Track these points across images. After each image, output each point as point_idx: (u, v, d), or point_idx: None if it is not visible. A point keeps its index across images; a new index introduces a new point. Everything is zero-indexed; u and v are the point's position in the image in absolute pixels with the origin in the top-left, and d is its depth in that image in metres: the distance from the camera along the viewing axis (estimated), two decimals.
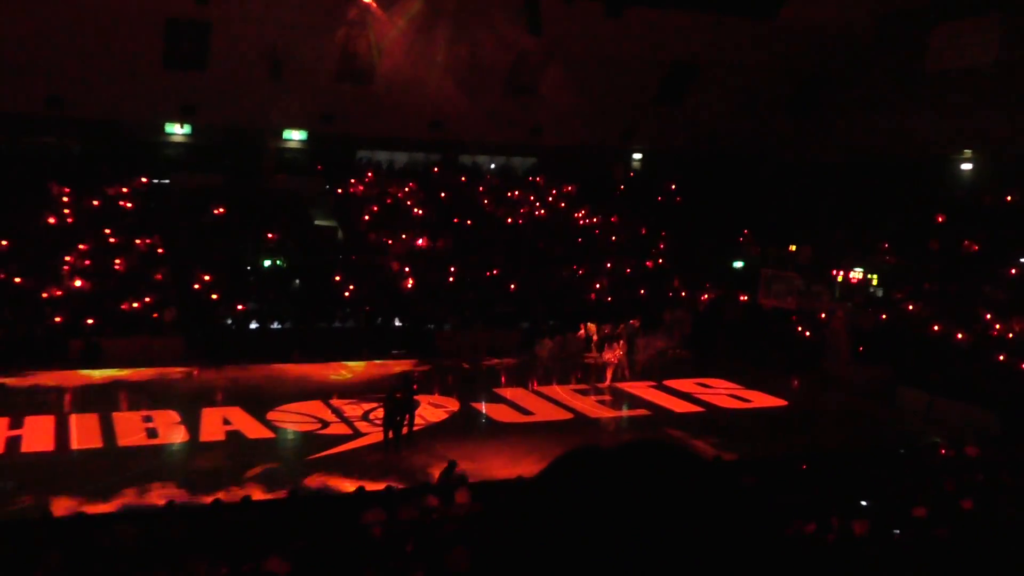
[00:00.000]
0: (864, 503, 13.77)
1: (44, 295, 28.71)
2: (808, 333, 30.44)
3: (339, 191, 37.88)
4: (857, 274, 31.39)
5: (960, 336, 27.06)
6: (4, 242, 30.17)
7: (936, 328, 27.81)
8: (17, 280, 28.91)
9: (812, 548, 11.37)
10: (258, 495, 15.39)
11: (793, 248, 34.68)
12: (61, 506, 15.12)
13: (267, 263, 33.09)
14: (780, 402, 25.81)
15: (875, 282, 31.46)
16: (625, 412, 24.43)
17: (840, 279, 30.89)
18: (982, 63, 31.71)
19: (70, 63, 30.52)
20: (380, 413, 20.52)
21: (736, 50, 35.20)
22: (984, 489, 14.50)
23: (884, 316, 29.59)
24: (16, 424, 20.26)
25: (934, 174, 35.57)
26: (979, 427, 22.04)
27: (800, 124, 40.07)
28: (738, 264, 36.68)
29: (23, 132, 34.48)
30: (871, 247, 33.06)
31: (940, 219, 33.65)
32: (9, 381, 24.37)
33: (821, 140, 39.50)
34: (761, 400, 25.91)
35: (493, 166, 42.62)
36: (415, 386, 21.29)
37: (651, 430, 22.42)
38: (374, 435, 20.34)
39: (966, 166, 35.73)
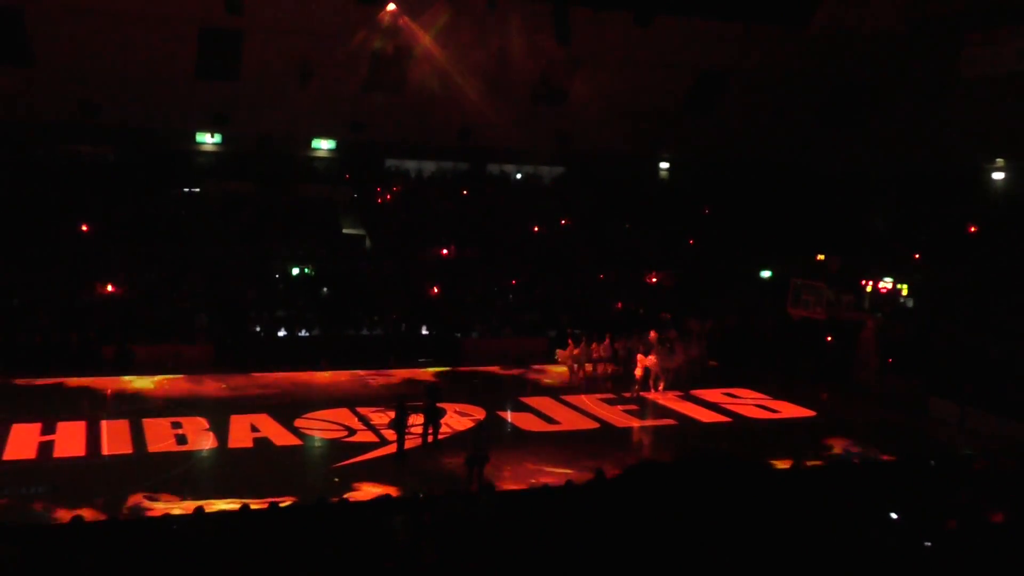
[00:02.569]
0: (894, 515, 13.61)
1: (78, 302, 29.12)
2: (838, 343, 30.14)
3: (367, 199, 38.09)
4: (887, 284, 31.07)
5: (993, 347, 26.70)
6: (39, 250, 30.65)
7: (969, 339, 27.46)
8: (51, 287, 29.35)
9: (844, 559, 11.28)
10: (285, 502, 15.49)
11: (822, 258, 34.41)
12: (92, 511, 15.30)
13: (296, 271, 33.36)
14: (808, 412, 25.59)
15: (905, 292, 31.13)
16: (651, 422, 24.31)
17: (870, 289, 30.59)
18: (1016, 71, 31.32)
19: (105, 72, 30.97)
20: (413, 420, 20.57)
21: (766, 59, 35.01)
22: (1017, 502, 14.28)
23: (915, 326, 29.26)
24: (49, 429, 20.56)
25: (967, 183, 35.19)
26: (1012, 439, 21.75)
27: (831, 133, 39.76)
28: (766, 274, 36.43)
29: (58, 140, 35.03)
30: (902, 257, 32.74)
31: (973, 229, 33.24)
32: (43, 386, 24.76)
33: (852, 149, 39.19)
34: (789, 410, 25.71)
35: (520, 175, 42.70)
36: (439, 394, 21.31)
37: (679, 440, 22.32)
38: None
39: (998, 175, 35.31)
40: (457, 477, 17.95)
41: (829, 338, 29.41)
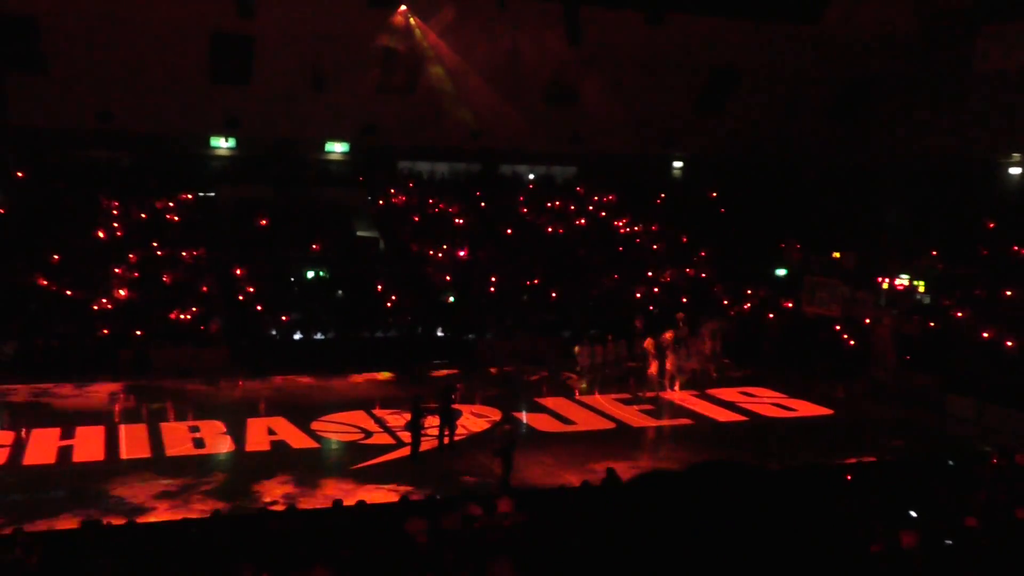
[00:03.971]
0: (913, 513, 13.54)
1: (94, 306, 29.29)
2: (853, 341, 30.01)
3: (381, 202, 38.17)
4: (903, 281, 30.92)
5: (1010, 343, 26.53)
6: (56, 255, 30.86)
7: (986, 335, 27.29)
8: (68, 292, 29.54)
9: (862, 560, 11.21)
10: (303, 504, 15.54)
11: (837, 255, 34.24)
12: (110, 515, 15.38)
13: (310, 274, 33.43)
14: (825, 411, 25.47)
15: (922, 288, 30.98)
16: (668, 421, 24.26)
17: (886, 286, 30.45)
18: None
19: (118, 78, 31.18)
20: (429, 422, 20.63)
21: (778, 56, 34.93)
22: None
23: (932, 323, 29.11)
24: (67, 434, 20.68)
25: (982, 178, 34.96)
26: None
27: (845, 129, 39.61)
28: (781, 271, 36.31)
29: (74, 146, 35.26)
30: (918, 253, 32.57)
31: (990, 225, 33.04)
32: (61, 391, 24.92)
33: (866, 145, 39.01)
34: (806, 409, 25.60)
35: (533, 176, 42.68)
36: (455, 395, 21.31)
37: (694, 440, 22.26)
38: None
39: (1015, 170, 35.06)
40: (471, 479, 17.97)
41: (852, 342, 29.27)
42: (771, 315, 33.47)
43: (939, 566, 11.32)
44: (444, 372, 28.43)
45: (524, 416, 23.99)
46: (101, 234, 32.57)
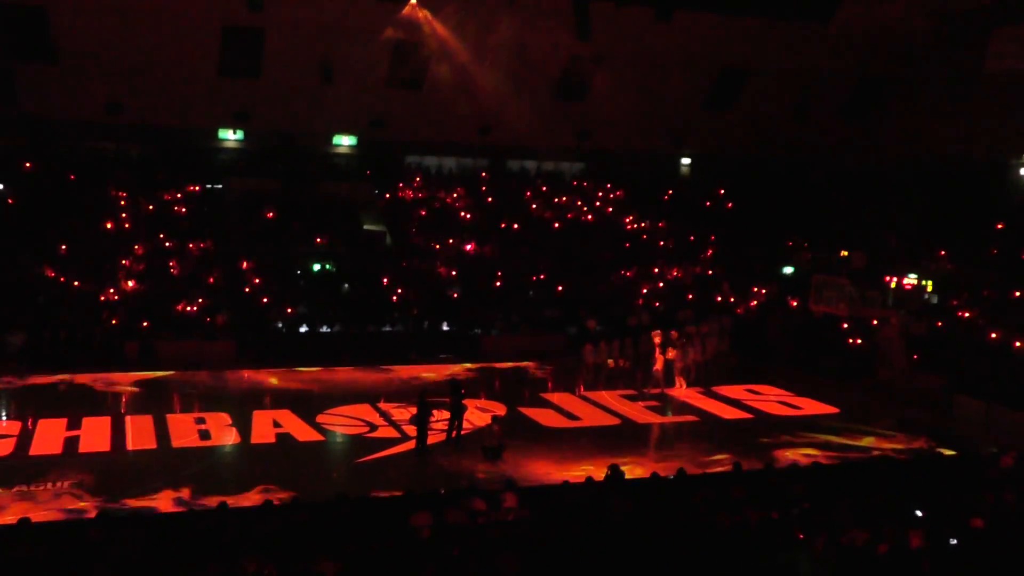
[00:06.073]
0: (919, 513, 13.50)
1: (101, 298, 29.36)
2: (860, 340, 29.94)
3: (388, 196, 38.17)
4: (911, 280, 30.84)
5: (1018, 344, 26.44)
6: (64, 246, 30.93)
7: (994, 336, 27.20)
8: (76, 283, 29.61)
9: (861, 557, 11.21)
10: (307, 497, 15.53)
11: (845, 254, 34.17)
12: (117, 506, 15.42)
13: (317, 267, 33.48)
14: (831, 409, 25.41)
15: (929, 288, 30.88)
16: (673, 418, 24.24)
17: (894, 285, 30.36)
18: None
19: (128, 69, 31.22)
20: (437, 415, 20.62)
21: (788, 54, 34.81)
22: None
23: (939, 323, 29.02)
24: (74, 425, 20.74)
25: (992, 179, 34.84)
26: None
27: (854, 128, 39.46)
28: (788, 270, 36.23)
29: (83, 137, 35.33)
30: (926, 253, 32.46)
31: (999, 226, 32.91)
32: (68, 382, 24.98)
33: (876, 145, 38.89)
34: (812, 407, 25.55)
35: (541, 169, 42.64)
36: (463, 391, 21.31)
37: (700, 437, 22.21)
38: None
39: None
40: (476, 474, 17.97)
41: (859, 342, 29.17)
42: (778, 313, 33.39)
43: (945, 567, 11.29)
44: (454, 366, 28.53)
45: (530, 412, 23.91)
46: (109, 225, 32.65)
